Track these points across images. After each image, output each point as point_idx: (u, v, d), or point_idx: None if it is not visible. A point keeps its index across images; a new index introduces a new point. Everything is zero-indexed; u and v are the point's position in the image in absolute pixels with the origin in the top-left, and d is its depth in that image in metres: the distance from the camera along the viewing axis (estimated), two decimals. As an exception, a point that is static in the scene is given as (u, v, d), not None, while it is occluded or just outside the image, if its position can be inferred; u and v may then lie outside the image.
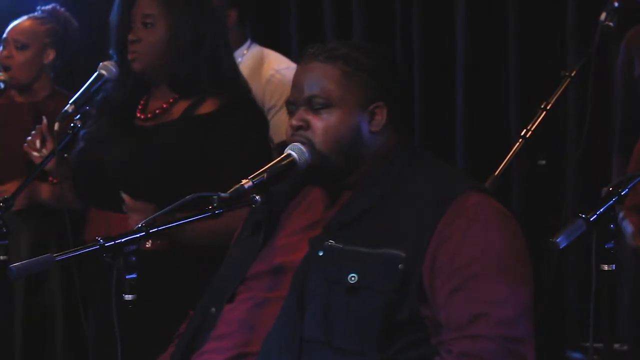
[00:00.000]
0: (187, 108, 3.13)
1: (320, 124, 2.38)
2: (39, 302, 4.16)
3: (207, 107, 3.12)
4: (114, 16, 3.22)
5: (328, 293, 2.27)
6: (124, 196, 3.00)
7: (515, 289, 2.23)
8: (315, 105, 2.39)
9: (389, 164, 2.40)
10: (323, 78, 2.39)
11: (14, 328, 4.13)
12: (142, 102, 3.23)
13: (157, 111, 3.17)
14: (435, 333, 2.24)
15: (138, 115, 3.20)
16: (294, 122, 2.40)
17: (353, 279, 2.25)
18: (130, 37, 3.15)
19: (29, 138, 3.38)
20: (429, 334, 2.25)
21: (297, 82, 2.44)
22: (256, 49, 4.19)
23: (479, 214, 2.29)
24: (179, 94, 3.16)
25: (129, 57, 3.15)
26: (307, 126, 2.39)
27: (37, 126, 3.36)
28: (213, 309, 2.45)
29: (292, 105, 2.44)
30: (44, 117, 3.40)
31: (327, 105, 2.38)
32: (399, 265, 2.24)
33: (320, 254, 2.32)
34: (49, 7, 4.25)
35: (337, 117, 2.38)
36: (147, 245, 2.98)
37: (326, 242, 2.32)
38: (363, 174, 2.41)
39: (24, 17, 4.19)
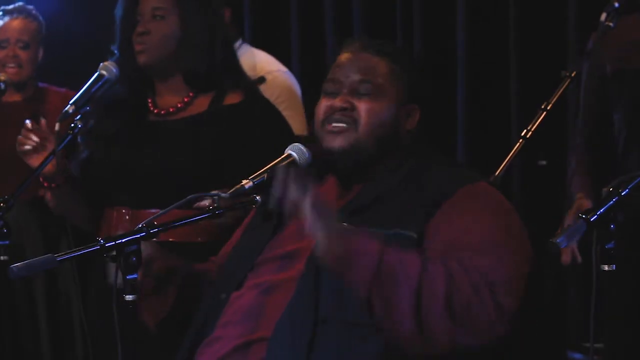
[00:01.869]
0: (213, 100, 3.14)
1: (366, 106, 2.46)
2: (59, 301, 4.18)
3: (231, 99, 3.13)
4: (118, 11, 3.18)
5: None
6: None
7: (512, 270, 2.26)
8: (361, 90, 2.47)
9: (405, 159, 2.49)
10: (373, 69, 2.49)
11: (40, 327, 4.15)
12: (149, 100, 3.20)
13: (179, 105, 3.14)
14: None
15: (154, 111, 3.16)
16: (339, 102, 2.47)
17: None
18: (139, 28, 3.11)
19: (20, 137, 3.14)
20: None
21: (344, 67, 2.51)
22: (244, 48, 4.19)
23: (485, 199, 2.39)
24: (196, 89, 3.15)
25: (137, 48, 3.11)
26: (352, 108, 2.46)
27: (36, 126, 3.10)
28: (223, 295, 2.47)
29: (334, 86, 2.49)
30: (42, 118, 3.25)
31: (374, 93, 2.47)
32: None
33: None
34: (17, 5, 4.26)
35: (381, 106, 2.47)
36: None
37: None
38: (382, 167, 2.48)
39: (7, 18, 4.20)
